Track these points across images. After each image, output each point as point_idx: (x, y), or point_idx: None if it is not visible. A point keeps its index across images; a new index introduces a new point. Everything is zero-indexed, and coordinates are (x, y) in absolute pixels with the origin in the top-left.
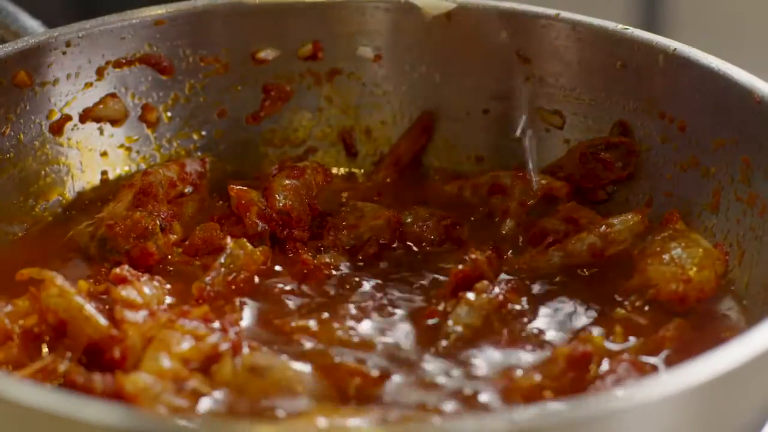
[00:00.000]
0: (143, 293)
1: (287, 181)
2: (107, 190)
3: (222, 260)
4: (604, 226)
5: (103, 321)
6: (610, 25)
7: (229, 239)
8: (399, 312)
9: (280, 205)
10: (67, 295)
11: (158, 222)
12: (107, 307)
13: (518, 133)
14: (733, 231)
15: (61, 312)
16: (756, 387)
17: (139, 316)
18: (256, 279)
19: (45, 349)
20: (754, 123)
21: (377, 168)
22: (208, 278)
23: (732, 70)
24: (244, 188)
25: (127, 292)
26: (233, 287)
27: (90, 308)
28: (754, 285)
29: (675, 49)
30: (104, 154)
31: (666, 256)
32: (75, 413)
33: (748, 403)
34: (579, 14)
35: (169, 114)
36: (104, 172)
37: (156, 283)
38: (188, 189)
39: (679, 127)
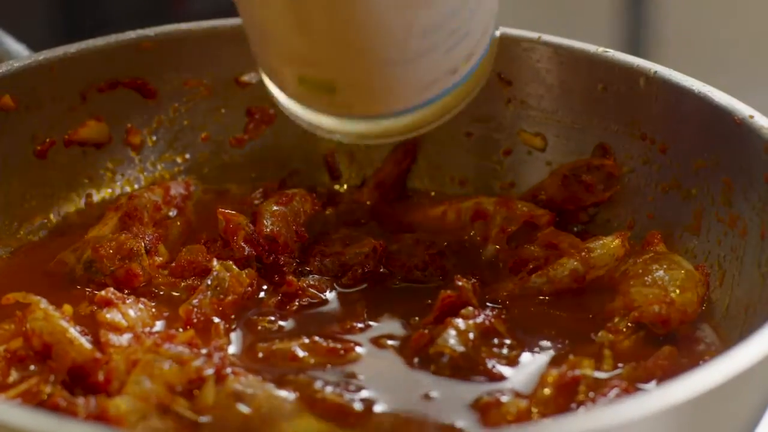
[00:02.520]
0: (128, 316)
1: (275, 207)
2: (91, 213)
3: (209, 282)
4: (584, 251)
5: (87, 345)
6: (591, 48)
7: (215, 262)
8: (384, 338)
9: (268, 230)
10: (52, 318)
11: (143, 244)
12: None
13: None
14: (715, 252)
15: (46, 335)
16: (737, 405)
17: (124, 339)
18: (242, 302)
19: (30, 372)
20: (734, 144)
21: (360, 191)
22: (195, 300)
23: (712, 92)
24: (233, 212)
25: (111, 315)
26: (220, 309)
27: (74, 332)
28: (735, 306)
29: (656, 71)
30: (88, 177)
31: (648, 278)
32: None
33: (731, 421)
34: (561, 37)
35: (153, 137)
36: (89, 195)
37: (141, 306)
38: (173, 212)
39: (660, 149)
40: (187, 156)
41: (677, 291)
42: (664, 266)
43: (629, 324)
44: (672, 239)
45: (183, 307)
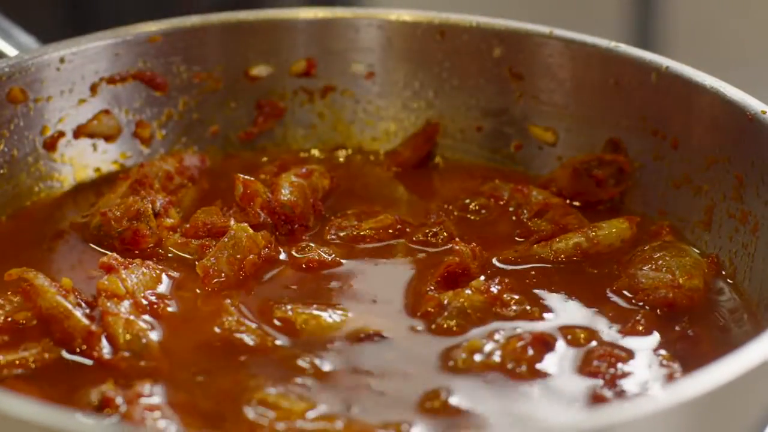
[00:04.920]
0: (126, 282)
1: (294, 179)
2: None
3: (225, 240)
4: (591, 229)
5: (82, 319)
6: (603, 42)
7: (232, 221)
8: (391, 300)
9: (285, 199)
10: (48, 294)
11: (150, 205)
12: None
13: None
14: (726, 248)
15: (44, 309)
16: (747, 403)
17: (123, 306)
18: (260, 264)
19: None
20: (746, 140)
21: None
22: (212, 258)
23: (724, 88)
24: (251, 178)
25: (110, 283)
26: (238, 270)
27: (69, 306)
28: (746, 302)
29: (667, 66)
30: (98, 170)
31: (656, 264)
32: (67, 427)
33: (741, 420)
34: (573, 32)
35: (162, 131)
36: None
37: (145, 270)
38: (188, 183)
39: (671, 144)
40: (196, 149)
41: (685, 276)
42: (673, 253)
43: (635, 304)
44: (683, 234)
45: (201, 263)
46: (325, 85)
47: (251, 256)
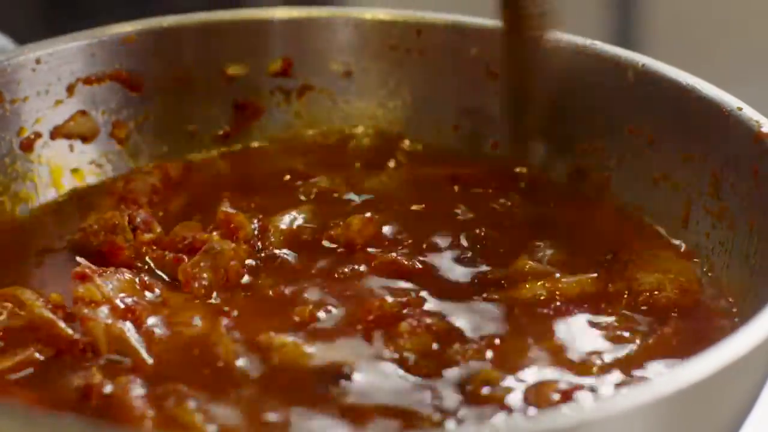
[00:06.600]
0: (102, 288)
1: (283, 226)
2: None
3: (206, 250)
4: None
5: (67, 330)
6: (579, 40)
7: (214, 234)
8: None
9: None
10: (33, 308)
11: (127, 218)
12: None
13: None
14: (703, 245)
15: (29, 321)
16: (724, 400)
17: (101, 312)
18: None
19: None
20: (722, 136)
21: None
22: (195, 267)
23: (700, 84)
24: (234, 212)
25: (85, 289)
26: (218, 278)
27: (54, 318)
28: (723, 299)
29: (643, 64)
30: (75, 171)
31: (646, 269)
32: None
33: (719, 415)
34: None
35: (139, 131)
36: (74, 189)
37: (120, 276)
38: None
39: (648, 141)
40: (174, 150)
41: (684, 275)
42: (660, 255)
43: (636, 307)
44: (660, 232)
45: (182, 267)
46: (302, 85)
47: (233, 263)
